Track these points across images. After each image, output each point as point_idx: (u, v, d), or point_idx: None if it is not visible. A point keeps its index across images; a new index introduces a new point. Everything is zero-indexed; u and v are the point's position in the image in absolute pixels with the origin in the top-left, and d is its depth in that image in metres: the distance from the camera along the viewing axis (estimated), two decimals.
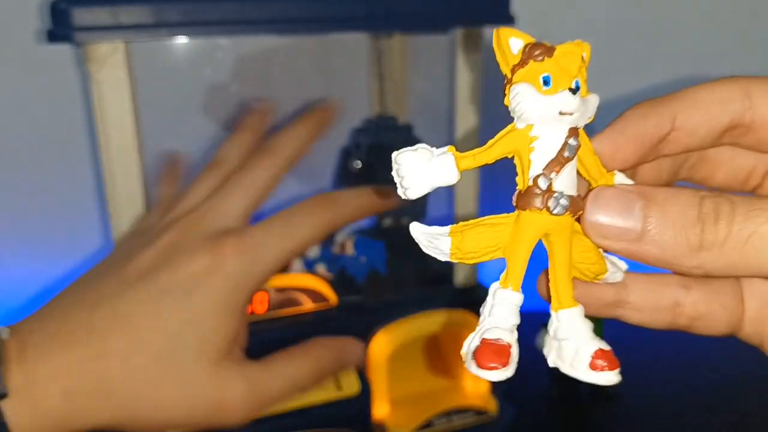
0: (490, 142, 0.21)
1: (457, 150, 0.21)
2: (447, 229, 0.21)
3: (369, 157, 0.67)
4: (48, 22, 0.46)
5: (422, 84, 0.80)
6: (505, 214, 0.21)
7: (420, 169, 0.21)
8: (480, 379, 0.60)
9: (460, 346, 0.60)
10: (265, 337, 0.54)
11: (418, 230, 0.21)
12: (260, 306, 0.55)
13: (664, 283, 0.25)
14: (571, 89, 0.20)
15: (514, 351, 0.20)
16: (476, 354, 0.20)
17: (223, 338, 0.36)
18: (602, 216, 0.21)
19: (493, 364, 0.20)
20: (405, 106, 0.77)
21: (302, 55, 0.77)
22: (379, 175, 0.65)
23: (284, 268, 0.65)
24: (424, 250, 0.21)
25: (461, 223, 0.21)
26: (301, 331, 0.55)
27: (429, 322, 0.57)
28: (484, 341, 0.20)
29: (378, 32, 0.72)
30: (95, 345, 0.33)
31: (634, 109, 0.24)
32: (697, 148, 0.23)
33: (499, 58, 0.21)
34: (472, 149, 0.21)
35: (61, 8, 0.45)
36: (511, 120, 0.21)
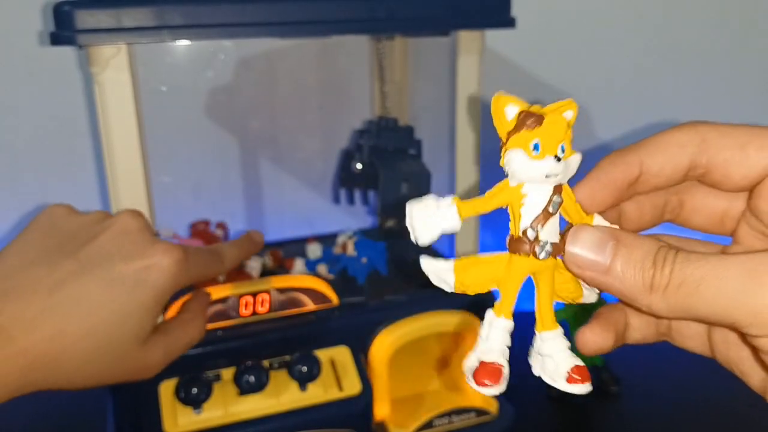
0: (488, 194, 0.25)
1: (459, 193, 0.25)
2: (451, 264, 0.25)
3: (370, 158, 0.67)
4: (51, 24, 0.46)
5: (423, 86, 0.80)
6: (500, 254, 0.25)
7: (427, 219, 0.24)
8: None
9: (461, 347, 0.60)
10: (268, 338, 0.54)
11: (427, 265, 0.25)
12: (262, 306, 0.55)
13: None
14: (556, 156, 0.23)
15: (506, 371, 0.24)
16: (475, 373, 0.24)
17: (153, 324, 0.42)
18: (578, 249, 0.24)
19: (488, 382, 0.24)
20: (406, 108, 0.77)
21: (304, 58, 0.78)
22: (380, 176, 0.65)
23: (286, 271, 0.65)
24: (433, 282, 0.25)
25: (464, 259, 0.25)
26: (303, 331, 0.55)
27: (430, 322, 0.57)
28: (481, 363, 0.24)
29: (379, 35, 0.72)
30: (54, 328, 0.37)
31: (605, 158, 0.27)
32: (666, 186, 0.27)
33: (495, 123, 0.24)
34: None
35: (64, 11, 0.45)
36: None
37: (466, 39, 0.55)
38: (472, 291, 0.25)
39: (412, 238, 0.25)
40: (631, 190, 0.27)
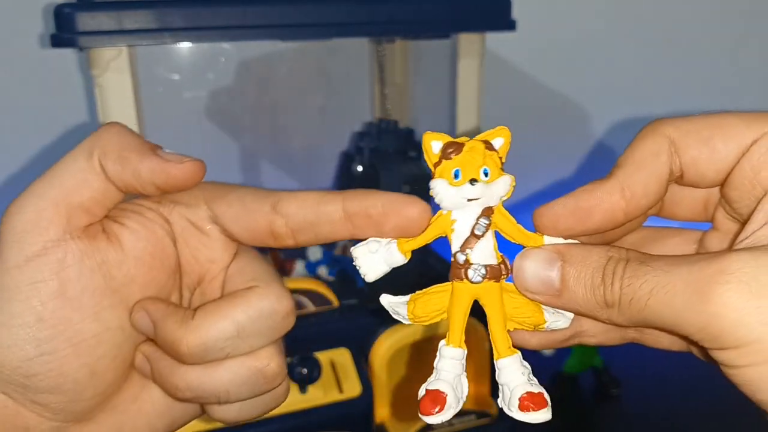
0: (429, 226, 0.25)
1: None
2: (407, 298, 0.25)
3: (370, 160, 0.67)
4: (52, 26, 0.46)
5: (424, 88, 0.80)
6: (444, 284, 0.25)
7: (371, 259, 0.25)
8: (480, 382, 0.60)
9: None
10: None
11: (385, 300, 0.26)
12: None
13: None
14: (472, 180, 0.24)
15: (451, 399, 0.24)
16: (420, 402, 0.24)
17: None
18: (527, 274, 0.24)
19: (433, 410, 0.24)
20: (406, 110, 0.77)
21: (305, 60, 0.78)
22: (380, 178, 0.65)
23: (287, 273, 0.65)
24: (393, 316, 0.26)
25: (419, 292, 0.25)
26: (303, 333, 0.55)
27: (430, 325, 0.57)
28: (426, 391, 0.24)
29: (380, 38, 0.72)
30: None
31: (584, 185, 0.25)
32: (656, 203, 0.25)
33: (426, 159, 0.25)
34: None
35: (66, 13, 0.45)
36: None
37: (467, 41, 0.55)
38: (424, 322, 0.25)
39: (362, 276, 0.25)
40: (624, 218, 0.25)
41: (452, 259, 0.25)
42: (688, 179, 0.25)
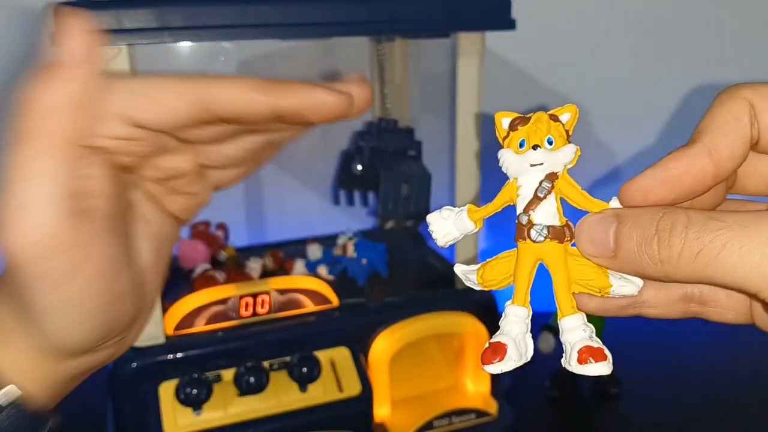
0: (498, 195, 0.27)
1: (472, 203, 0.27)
2: (478, 265, 0.27)
3: (370, 159, 0.67)
4: (51, 25, 0.46)
5: (423, 88, 0.80)
6: (511, 250, 0.27)
7: (444, 225, 0.27)
8: (480, 381, 0.60)
9: (461, 348, 0.61)
10: (268, 339, 0.54)
11: (458, 269, 0.28)
12: (262, 307, 0.56)
13: None
14: (534, 146, 0.26)
15: (512, 351, 0.25)
16: (482, 353, 0.25)
17: None
18: (585, 236, 0.25)
19: (494, 359, 0.25)
20: (406, 109, 0.77)
21: (304, 59, 0.78)
22: (380, 177, 0.65)
23: (286, 272, 0.65)
24: (465, 283, 0.27)
25: (489, 259, 0.27)
26: (303, 332, 0.55)
27: (430, 324, 0.57)
28: (489, 344, 0.26)
29: (380, 37, 0.72)
30: None
31: (669, 154, 0.26)
32: (740, 165, 0.25)
33: (497, 135, 0.27)
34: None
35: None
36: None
37: (467, 41, 0.55)
38: (493, 287, 0.27)
39: (435, 242, 0.27)
40: (714, 181, 0.25)
41: (516, 221, 0.26)
42: (763, 144, 0.25)
